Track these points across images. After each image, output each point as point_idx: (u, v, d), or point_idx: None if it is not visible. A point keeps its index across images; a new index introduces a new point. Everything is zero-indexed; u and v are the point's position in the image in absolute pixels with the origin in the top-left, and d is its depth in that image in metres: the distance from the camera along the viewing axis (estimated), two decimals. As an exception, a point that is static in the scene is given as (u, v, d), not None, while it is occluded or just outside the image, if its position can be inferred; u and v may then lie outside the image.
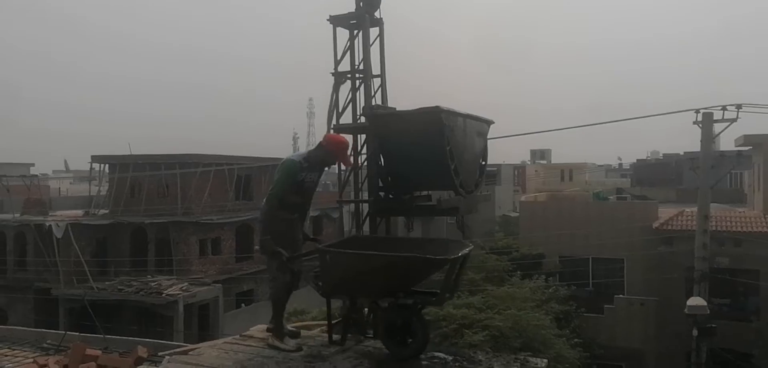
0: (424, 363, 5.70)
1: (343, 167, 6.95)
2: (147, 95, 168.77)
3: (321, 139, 6.22)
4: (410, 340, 5.75)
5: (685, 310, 16.77)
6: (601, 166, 74.46)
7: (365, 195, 6.90)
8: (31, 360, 7.12)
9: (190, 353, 6.11)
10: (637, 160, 59.74)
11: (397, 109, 6.71)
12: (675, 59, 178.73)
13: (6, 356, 8.12)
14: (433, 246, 6.04)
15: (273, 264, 6.10)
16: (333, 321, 6.22)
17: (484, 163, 6.76)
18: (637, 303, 22.83)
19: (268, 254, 6.08)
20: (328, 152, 6.10)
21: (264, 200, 6.23)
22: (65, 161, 76.75)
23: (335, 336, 6.12)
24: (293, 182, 6.04)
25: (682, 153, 46.31)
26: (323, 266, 5.74)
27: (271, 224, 6.09)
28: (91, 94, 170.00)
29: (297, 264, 6.15)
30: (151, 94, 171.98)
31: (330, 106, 7.23)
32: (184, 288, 25.24)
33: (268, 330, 6.41)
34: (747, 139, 25.08)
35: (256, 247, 6.36)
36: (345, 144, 6.28)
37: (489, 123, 6.72)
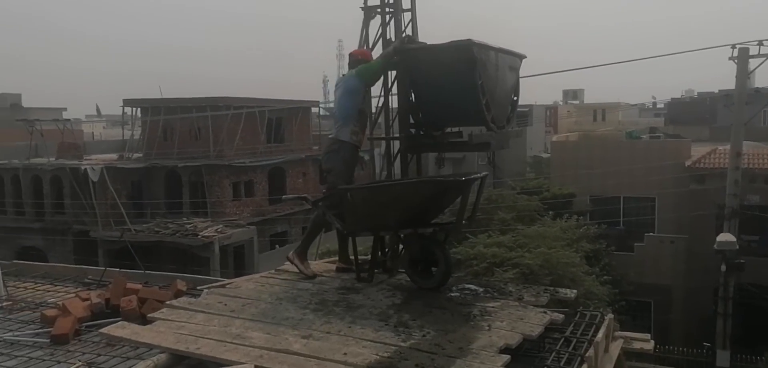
0: (454, 294, 5.83)
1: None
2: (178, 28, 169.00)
3: (349, 60, 6.65)
4: (434, 270, 5.91)
5: (715, 246, 16.80)
6: (635, 105, 72.97)
7: (396, 133, 6.96)
8: (74, 294, 7.38)
9: (227, 286, 6.32)
10: (672, 98, 58.39)
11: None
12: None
13: (49, 291, 8.42)
14: (448, 178, 6.17)
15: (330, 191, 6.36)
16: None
17: (515, 98, 6.73)
18: (667, 240, 22.80)
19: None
20: (363, 61, 6.49)
21: (334, 131, 6.48)
22: (97, 106, 77.87)
23: (363, 272, 6.29)
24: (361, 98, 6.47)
25: (717, 91, 45.29)
26: (345, 204, 5.90)
27: (347, 150, 6.35)
28: (121, 26, 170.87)
29: (325, 202, 6.35)
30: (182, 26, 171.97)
31: (360, 41, 7.23)
32: (219, 230, 25.72)
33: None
34: (784, 75, 24.44)
35: (328, 182, 6.53)
36: (366, 51, 6.86)
37: (521, 57, 6.67)
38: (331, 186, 6.29)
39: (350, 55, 6.66)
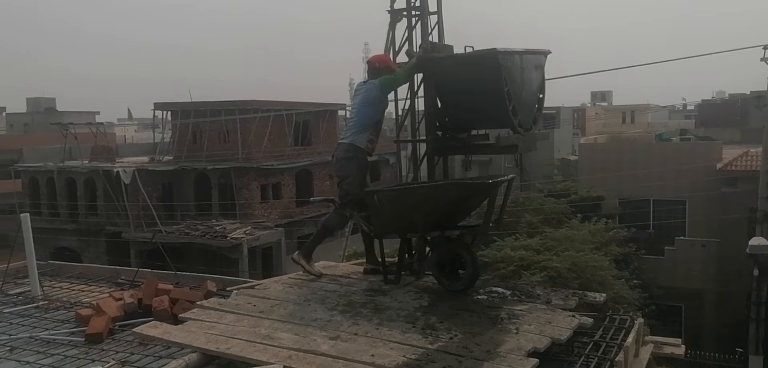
0: (482, 297, 5.84)
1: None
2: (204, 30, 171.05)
3: (368, 67, 6.54)
4: (461, 272, 5.92)
5: (747, 250, 16.62)
6: (665, 107, 71.98)
7: (422, 135, 6.98)
8: (107, 294, 7.51)
9: (256, 287, 6.39)
10: (702, 100, 57.47)
11: (454, 50, 6.70)
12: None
13: (83, 291, 8.58)
14: (475, 181, 6.17)
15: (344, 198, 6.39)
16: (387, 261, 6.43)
17: (542, 95, 6.64)
18: (699, 244, 22.48)
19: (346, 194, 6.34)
20: (384, 69, 6.39)
21: (349, 137, 6.39)
22: (129, 109, 79.25)
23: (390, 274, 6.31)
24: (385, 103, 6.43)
25: (748, 92, 44.55)
26: (372, 207, 5.93)
27: (362, 156, 6.32)
28: (152, 31, 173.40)
29: (351, 205, 6.36)
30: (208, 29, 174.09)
31: (386, 44, 7.26)
32: (247, 232, 25.98)
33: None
34: (819, 76, 23.95)
35: (343, 188, 6.51)
36: (387, 56, 6.77)
37: (545, 53, 6.60)
38: (346, 193, 6.31)
39: (368, 62, 6.58)
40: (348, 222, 6.82)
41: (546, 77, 6.70)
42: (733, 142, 31.03)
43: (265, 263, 27.11)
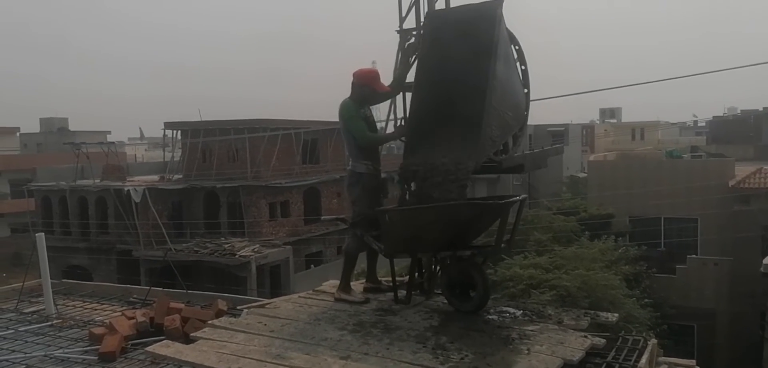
0: (493, 316, 5.81)
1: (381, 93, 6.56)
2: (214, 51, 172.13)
3: (352, 81, 6.31)
4: (472, 293, 5.88)
5: (761, 269, 16.44)
6: (675, 124, 71.77)
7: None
8: (120, 312, 7.55)
9: (266, 306, 6.41)
10: (714, 117, 57.21)
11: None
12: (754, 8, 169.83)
13: (96, 310, 8.63)
14: (487, 201, 6.11)
15: (356, 219, 6.33)
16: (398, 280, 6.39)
17: (526, 90, 6.04)
18: (711, 263, 22.28)
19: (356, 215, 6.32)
20: (362, 86, 6.23)
21: (350, 162, 6.39)
22: (140, 129, 79.84)
23: (400, 294, 6.29)
24: (361, 118, 6.21)
25: (761, 108, 44.36)
26: (383, 226, 5.91)
27: (366, 180, 6.26)
28: (162, 52, 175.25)
29: (362, 225, 6.31)
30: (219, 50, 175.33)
31: (395, 65, 7.23)
32: (256, 250, 26.04)
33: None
34: (832, 92, 23.93)
35: (354, 211, 6.44)
36: (373, 71, 6.48)
37: (496, 12, 5.57)
38: (358, 215, 6.29)
39: (353, 74, 6.29)
40: (363, 242, 6.74)
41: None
42: (746, 159, 30.80)
43: (273, 281, 27.14)
